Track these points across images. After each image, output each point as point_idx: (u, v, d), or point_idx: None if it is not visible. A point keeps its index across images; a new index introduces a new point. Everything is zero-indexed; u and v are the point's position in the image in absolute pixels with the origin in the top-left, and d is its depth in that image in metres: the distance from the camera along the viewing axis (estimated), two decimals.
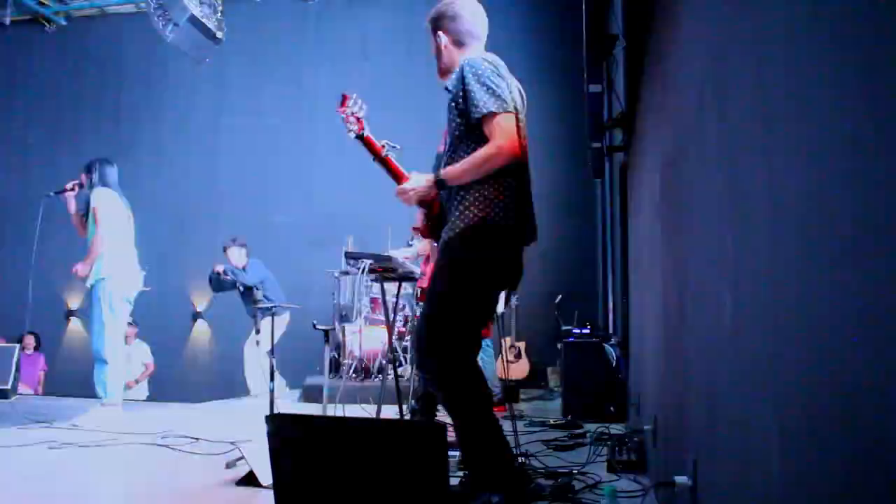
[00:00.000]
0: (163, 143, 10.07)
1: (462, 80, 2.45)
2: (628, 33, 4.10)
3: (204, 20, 5.98)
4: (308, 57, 9.90)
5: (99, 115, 10.16)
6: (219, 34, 6.27)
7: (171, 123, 10.14)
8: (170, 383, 9.41)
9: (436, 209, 2.69)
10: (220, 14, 6.27)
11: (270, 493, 2.40)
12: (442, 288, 2.45)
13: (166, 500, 2.80)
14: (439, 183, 2.50)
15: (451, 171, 2.47)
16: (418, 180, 2.56)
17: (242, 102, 10.06)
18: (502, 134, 2.39)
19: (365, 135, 2.54)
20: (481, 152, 2.41)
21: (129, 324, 8.40)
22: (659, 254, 2.60)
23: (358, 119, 2.53)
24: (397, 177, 2.61)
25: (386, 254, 4.46)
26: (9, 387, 6.76)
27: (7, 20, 9.99)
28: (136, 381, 8.58)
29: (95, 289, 4.87)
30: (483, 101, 2.40)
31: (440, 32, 2.67)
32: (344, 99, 2.52)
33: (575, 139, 7.84)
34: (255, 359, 6.82)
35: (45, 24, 10.74)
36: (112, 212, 4.98)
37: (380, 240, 7.78)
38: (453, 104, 2.50)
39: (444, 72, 2.68)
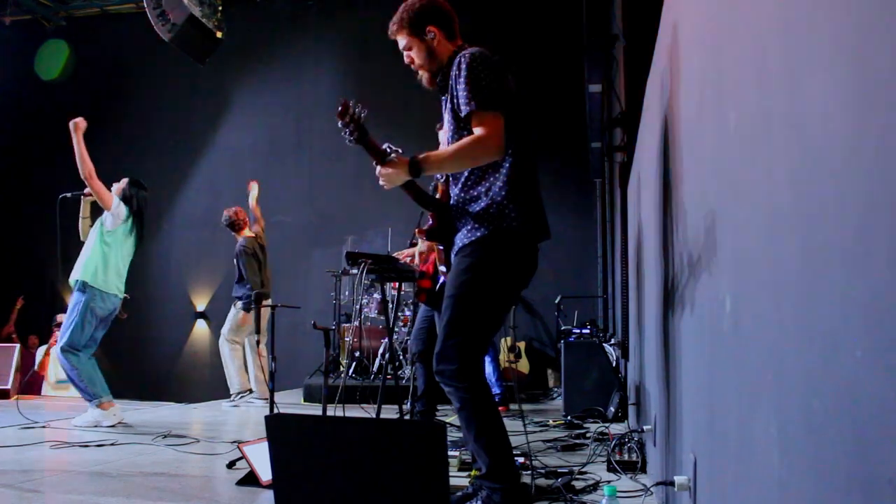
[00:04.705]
0: (162, 142, 10.07)
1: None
2: (628, 33, 4.11)
3: (203, 20, 5.97)
4: (308, 56, 9.90)
5: (98, 115, 10.15)
6: (218, 34, 6.26)
7: (170, 123, 10.14)
8: (170, 383, 9.41)
9: (442, 193, 2.63)
10: (219, 14, 6.26)
11: (270, 493, 2.41)
12: (462, 292, 2.40)
13: (167, 499, 2.80)
14: (413, 166, 2.37)
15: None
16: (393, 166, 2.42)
17: (242, 102, 10.06)
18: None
19: (367, 139, 2.41)
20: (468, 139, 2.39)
21: None
22: (659, 253, 2.60)
23: (357, 126, 2.38)
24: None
25: (386, 254, 4.46)
26: (9, 387, 6.76)
27: (7, 20, 10.00)
28: None
29: (78, 287, 4.81)
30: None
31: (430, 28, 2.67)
32: (344, 106, 2.37)
33: (575, 139, 7.84)
34: (236, 357, 6.49)
35: (45, 23, 10.74)
36: (115, 228, 4.95)
37: (380, 240, 7.78)
38: None
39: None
